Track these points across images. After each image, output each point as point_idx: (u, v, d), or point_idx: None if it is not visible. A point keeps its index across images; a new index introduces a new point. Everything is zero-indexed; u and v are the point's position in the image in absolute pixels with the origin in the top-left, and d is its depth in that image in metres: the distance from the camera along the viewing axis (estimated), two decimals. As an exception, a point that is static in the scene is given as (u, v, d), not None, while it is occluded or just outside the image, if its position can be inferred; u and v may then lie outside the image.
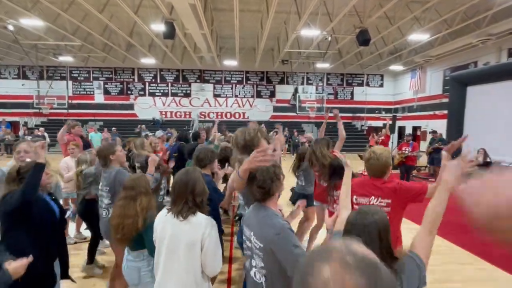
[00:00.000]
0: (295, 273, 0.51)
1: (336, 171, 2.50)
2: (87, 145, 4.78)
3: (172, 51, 14.97)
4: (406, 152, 7.04)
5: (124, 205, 1.83)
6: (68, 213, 2.32)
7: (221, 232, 1.90)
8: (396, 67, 16.35)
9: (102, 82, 17.54)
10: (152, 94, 17.84)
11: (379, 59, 15.97)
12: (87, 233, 4.03)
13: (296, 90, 17.98)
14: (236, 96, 18.23)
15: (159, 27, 10.23)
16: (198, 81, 17.99)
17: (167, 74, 17.83)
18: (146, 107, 17.72)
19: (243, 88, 18.22)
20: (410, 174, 7.29)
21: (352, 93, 18.77)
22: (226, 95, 18.21)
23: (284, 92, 18.31)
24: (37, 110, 16.41)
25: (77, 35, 12.40)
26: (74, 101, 16.98)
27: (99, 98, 17.53)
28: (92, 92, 17.50)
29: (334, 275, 0.42)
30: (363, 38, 9.82)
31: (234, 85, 18.18)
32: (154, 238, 1.62)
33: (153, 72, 17.72)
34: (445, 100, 13.53)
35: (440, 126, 11.39)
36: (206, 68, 17.63)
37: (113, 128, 13.26)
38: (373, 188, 1.88)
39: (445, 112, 12.73)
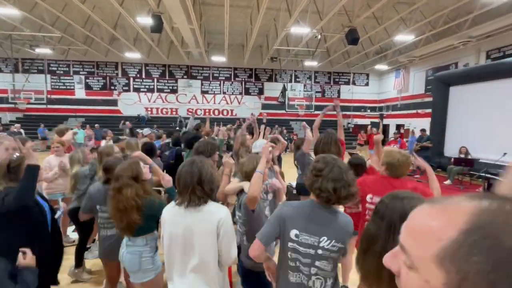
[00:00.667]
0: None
1: (356, 169, 2.45)
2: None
3: (158, 46, 14.54)
4: (394, 149, 7.22)
5: (114, 197, 1.78)
6: (59, 213, 2.17)
7: None
8: (381, 67, 16.77)
9: (83, 77, 16.77)
10: (137, 90, 17.28)
11: (365, 58, 16.31)
12: (74, 236, 3.85)
13: (284, 88, 18.04)
14: (224, 93, 18.03)
15: (146, 20, 9.89)
16: (185, 77, 17.62)
17: (153, 69, 17.32)
18: (131, 103, 17.16)
19: (231, 85, 18.04)
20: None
21: (339, 92, 19.09)
22: (214, 91, 17.96)
23: (272, 89, 18.31)
24: (12, 105, 15.46)
25: (56, 26, 11.75)
26: (53, 96, 16.14)
27: (80, 93, 16.77)
28: (72, 87, 16.69)
29: None
30: (352, 37, 9.96)
31: (222, 81, 17.96)
32: (162, 233, 1.54)
33: (138, 67, 17.15)
34: (428, 99, 14.06)
35: (423, 124, 11.81)
36: (194, 64, 17.29)
37: (96, 125, 12.72)
38: (390, 188, 1.81)
39: (427, 110, 13.24)
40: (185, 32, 11.18)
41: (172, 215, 1.50)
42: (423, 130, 8.86)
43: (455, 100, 8.96)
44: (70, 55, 15.82)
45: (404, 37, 11.81)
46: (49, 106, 15.75)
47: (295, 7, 9.17)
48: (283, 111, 18.28)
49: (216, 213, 1.45)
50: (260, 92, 18.34)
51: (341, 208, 1.96)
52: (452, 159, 7.43)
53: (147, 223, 1.82)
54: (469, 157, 7.07)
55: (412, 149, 8.54)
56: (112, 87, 17.04)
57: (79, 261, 2.89)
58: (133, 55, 15.05)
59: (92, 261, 3.18)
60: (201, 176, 1.46)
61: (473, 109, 8.28)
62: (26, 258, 1.34)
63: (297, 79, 18.66)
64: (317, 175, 1.34)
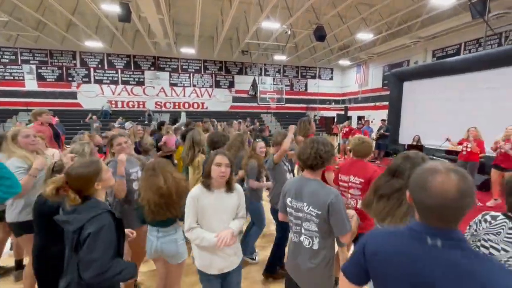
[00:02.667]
0: (412, 183, 0.86)
1: None
2: (57, 134, 4.29)
3: (122, 35, 13.76)
4: (359, 138, 8.03)
5: (151, 183, 1.91)
6: None
7: None
8: (344, 62, 17.94)
9: (34, 66, 15.16)
10: (98, 82, 16.16)
11: (330, 54, 17.30)
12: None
13: (255, 81, 18.34)
14: (194, 85, 17.73)
15: (111, 7, 9.36)
16: (152, 68, 16.91)
17: (116, 60, 16.31)
18: (92, 96, 16.02)
19: (201, 77, 17.80)
20: (362, 158, 8.35)
21: (306, 85, 19.98)
22: (184, 84, 17.57)
23: (243, 82, 18.49)
24: None
25: (2, 9, 10.50)
26: (-1, 88, 14.41)
27: (31, 84, 15.16)
28: (21, 78, 15.02)
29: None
30: (319, 34, 10.58)
31: (191, 74, 17.62)
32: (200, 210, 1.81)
33: (99, 56, 16.01)
34: (384, 93, 15.51)
35: (381, 116, 13.09)
36: (161, 55, 16.67)
37: (56, 119, 11.72)
38: (355, 167, 2.37)
39: (385, 103, 14.64)
40: (153, 21, 10.79)
41: (206, 197, 1.82)
42: (383, 120, 9.89)
43: (408, 93, 10.14)
44: (18, 42, 14.17)
45: (365, 35, 12.84)
46: (-6, 99, 14.05)
47: (267, 3, 9.44)
48: (255, 104, 18.62)
49: (239, 189, 1.90)
50: (231, 85, 18.41)
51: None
52: (406, 146, 8.51)
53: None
54: (420, 143, 8.17)
55: (371, 137, 9.57)
56: (70, 79, 15.71)
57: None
58: (94, 44, 14.03)
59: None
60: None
61: (423, 101, 9.49)
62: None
63: (267, 73, 19.08)
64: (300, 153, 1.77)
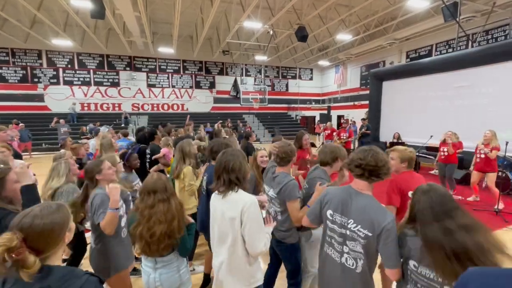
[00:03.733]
0: None
1: None
2: (17, 155, 3.66)
3: (94, 33, 12.94)
4: (344, 137, 8.14)
5: (161, 210, 1.64)
6: None
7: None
8: (324, 63, 18.30)
9: (-7, 66, 13.82)
10: (68, 83, 15.08)
11: (310, 54, 17.55)
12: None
13: (235, 81, 18.14)
14: (173, 86, 17.15)
15: (81, 3, 8.73)
16: (127, 69, 16.11)
17: (88, 60, 15.33)
18: (62, 98, 14.91)
19: (180, 78, 17.26)
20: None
21: (287, 85, 20.12)
22: (162, 85, 16.93)
23: (224, 83, 18.20)
24: None
25: (-46, 2, 9.43)
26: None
27: (-10, 86, 13.80)
28: (-22, 79, 13.62)
29: None
30: (301, 34, 10.63)
31: (170, 74, 17.03)
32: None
33: (69, 56, 14.95)
34: (363, 92, 16.02)
35: (360, 115, 13.49)
36: (137, 54, 15.94)
37: (20, 124, 10.74)
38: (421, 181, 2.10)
39: (363, 102, 15.11)
40: (129, 19, 10.24)
41: (213, 200, 1.67)
42: (363, 119, 10.14)
43: (387, 93, 10.49)
44: (-27, 39, 12.83)
45: (343, 36, 13.15)
46: None
47: (248, 2, 9.31)
48: (237, 105, 18.41)
49: (239, 201, 1.51)
50: (212, 85, 18.05)
51: None
52: (388, 143, 8.76)
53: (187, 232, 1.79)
54: (400, 141, 8.44)
55: (355, 136, 9.78)
56: (36, 79, 14.50)
57: None
58: (62, 42, 13.07)
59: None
60: (228, 166, 1.55)
61: (402, 100, 9.85)
62: None
63: (248, 73, 18.96)
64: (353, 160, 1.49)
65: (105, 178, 1.99)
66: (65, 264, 2.55)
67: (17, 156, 3.45)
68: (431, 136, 6.01)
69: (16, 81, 14.21)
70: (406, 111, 9.56)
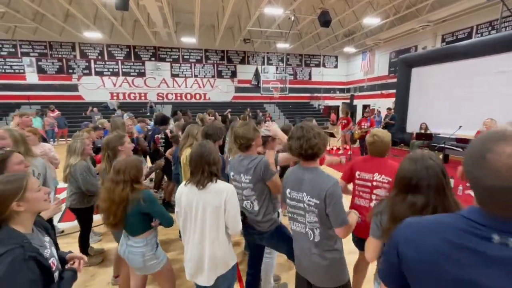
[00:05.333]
0: (467, 155, 0.66)
1: None
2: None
3: (122, 25, 13.45)
4: (365, 127, 7.79)
5: (110, 189, 1.76)
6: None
7: None
8: (349, 49, 17.42)
9: (34, 59, 14.99)
10: (99, 73, 15.96)
11: (334, 41, 16.79)
12: (61, 226, 3.70)
13: (257, 70, 17.98)
14: (195, 76, 17.44)
15: (108, -4, 9.07)
16: (152, 59, 16.63)
17: (116, 51, 16.04)
18: (93, 88, 15.87)
19: (202, 67, 17.48)
20: (369, 147, 8.13)
21: (310, 74, 19.53)
22: (185, 75, 17.29)
23: (245, 72, 18.13)
24: None
25: (-2, 0, 10.26)
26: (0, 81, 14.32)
27: (32, 77, 15.03)
28: (22, 71, 14.88)
29: None
30: (324, 19, 10.17)
31: (193, 64, 17.30)
32: (177, 209, 1.73)
33: (99, 48, 15.75)
34: (391, 80, 15.08)
35: (386, 104, 12.75)
36: (162, 45, 16.34)
37: (56, 112, 11.66)
38: (376, 166, 2.05)
39: (391, 91, 14.25)
40: (152, 10, 10.46)
41: (186, 193, 1.68)
42: (389, 109, 9.60)
43: (417, 80, 9.78)
44: (17, 34, 13.96)
45: (371, 20, 12.34)
46: (-4, 93, 13.99)
47: (269, -13, 9.05)
48: (257, 94, 18.31)
49: (223, 191, 1.63)
50: (233, 75, 18.07)
51: (348, 198, 2.17)
52: (414, 134, 8.24)
53: (145, 220, 1.85)
54: (428, 132, 7.89)
55: (379, 126, 9.28)
56: (70, 71, 15.53)
57: (85, 250, 2.84)
58: (93, 35, 13.76)
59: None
60: (209, 158, 1.65)
61: (432, 88, 9.14)
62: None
63: (270, 62, 18.66)
64: (289, 138, 1.62)
65: (125, 150, 2.27)
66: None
67: (44, 140, 3.78)
68: (460, 127, 5.52)
69: (54, 72, 15.33)
70: (436, 100, 8.88)
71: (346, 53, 18.76)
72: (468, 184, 0.69)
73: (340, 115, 11.41)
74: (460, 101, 8.10)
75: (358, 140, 8.19)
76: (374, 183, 2.01)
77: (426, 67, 9.40)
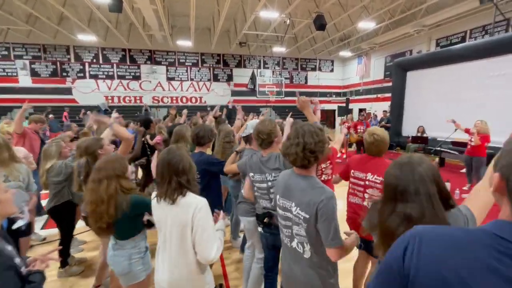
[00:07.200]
0: (505, 160, 0.54)
1: None
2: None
3: (116, 28, 13.37)
4: (361, 131, 7.73)
5: (93, 189, 1.61)
6: (21, 223, 1.89)
7: (221, 209, 1.81)
8: (345, 53, 17.49)
9: (27, 62, 14.82)
10: (94, 77, 15.81)
11: (330, 45, 16.85)
12: (44, 233, 3.54)
13: (253, 74, 17.95)
14: (191, 79, 17.36)
15: (102, -2, 8.99)
16: (148, 62, 16.54)
17: (111, 54, 15.93)
18: (88, 91, 15.69)
19: (198, 71, 17.42)
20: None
21: (306, 78, 19.56)
22: (181, 78, 17.20)
23: (241, 75, 18.10)
24: None
25: (-10, 2, 10.13)
26: (-9, 84, 14.11)
27: (25, 80, 14.84)
28: (15, 74, 14.69)
29: None
30: (320, 23, 10.18)
31: (189, 67, 17.23)
32: (155, 221, 1.57)
33: (94, 51, 15.63)
34: (386, 84, 15.14)
35: (382, 108, 12.75)
36: (157, 48, 16.28)
37: (50, 115, 11.46)
38: (371, 166, 2.04)
39: (386, 95, 14.28)
40: (147, 13, 10.42)
41: (157, 207, 1.48)
42: (385, 111, 9.58)
43: (412, 84, 9.79)
44: (9, 37, 13.80)
45: (366, 24, 12.39)
46: (-12, 96, 13.77)
47: (264, -10, 9.04)
48: (253, 98, 18.27)
49: (190, 206, 1.38)
50: (229, 78, 18.03)
51: (342, 196, 2.12)
52: (410, 137, 8.20)
53: (135, 223, 1.71)
54: (425, 135, 7.86)
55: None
56: (65, 74, 15.37)
57: (64, 260, 2.68)
58: (88, 38, 13.65)
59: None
60: (178, 166, 1.41)
61: (427, 91, 9.14)
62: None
63: (266, 65, 18.67)
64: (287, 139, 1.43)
65: (106, 153, 2.10)
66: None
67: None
68: (456, 130, 5.49)
69: (48, 75, 15.15)
70: (431, 104, 8.87)
71: (342, 57, 18.84)
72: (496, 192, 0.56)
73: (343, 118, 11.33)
74: (455, 104, 8.09)
75: (354, 144, 8.13)
76: (367, 183, 2.03)
77: (421, 70, 9.42)
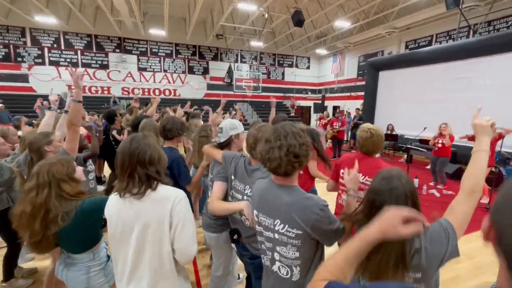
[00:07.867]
0: (502, 210, 0.42)
1: None
2: None
3: (80, 11, 12.26)
4: (337, 127, 7.87)
5: (21, 199, 1.33)
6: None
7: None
8: (321, 51, 17.78)
9: (-27, 43, 13.12)
10: (54, 63, 14.44)
11: (307, 42, 17.01)
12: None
13: (230, 68, 17.59)
14: (165, 70, 16.56)
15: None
16: (117, 50, 15.45)
17: (75, 40, 14.63)
18: (48, 79, 14.30)
19: (172, 62, 16.66)
20: (341, 146, 8.25)
21: (283, 74, 19.62)
22: (153, 69, 16.33)
23: (218, 69, 17.64)
24: None
25: None
26: None
27: (-29, 64, 13.14)
28: (-42, 56, 12.94)
29: None
30: (297, 19, 10.16)
31: (162, 58, 16.41)
32: (109, 230, 1.27)
33: (54, 35, 14.23)
34: (359, 83, 15.65)
35: (355, 106, 13.18)
36: (127, 36, 15.25)
37: (0, 104, 10.25)
38: (363, 166, 1.87)
39: (360, 93, 14.78)
40: (115, -4, 9.65)
41: (117, 209, 1.21)
42: (357, 109, 9.87)
43: (384, 83, 10.18)
44: (-51, 13, 12.07)
45: (342, 23, 12.64)
46: None
47: (242, -19, 8.78)
48: (230, 92, 17.94)
49: (168, 198, 1.19)
50: (205, 71, 17.49)
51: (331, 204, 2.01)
52: (381, 135, 8.53)
53: (90, 233, 1.45)
54: (394, 133, 8.20)
55: (349, 127, 9.53)
56: (19, 59, 13.84)
57: (9, 272, 2.32)
58: (46, 20, 12.36)
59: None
60: (145, 156, 1.19)
61: (398, 91, 9.56)
62: None
63: (243, 60, 18.38)
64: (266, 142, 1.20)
65: (55, 150, 1.81)
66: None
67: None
68: (425, 128, 5.78)
69: (-1, 59, 13.54)
70: (401, 103, 9.30)
71: (318, 54, 19.14)
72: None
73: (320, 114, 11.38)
74: (423, 104, 8.55)
75: (329, 140, 8.27)
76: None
77: (392, 71, 9.82)
